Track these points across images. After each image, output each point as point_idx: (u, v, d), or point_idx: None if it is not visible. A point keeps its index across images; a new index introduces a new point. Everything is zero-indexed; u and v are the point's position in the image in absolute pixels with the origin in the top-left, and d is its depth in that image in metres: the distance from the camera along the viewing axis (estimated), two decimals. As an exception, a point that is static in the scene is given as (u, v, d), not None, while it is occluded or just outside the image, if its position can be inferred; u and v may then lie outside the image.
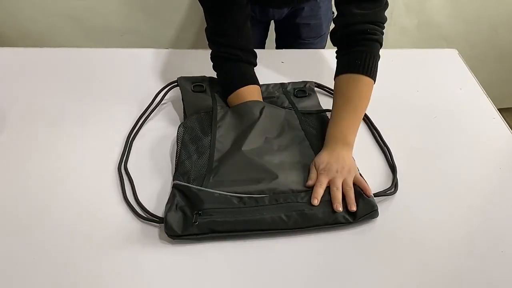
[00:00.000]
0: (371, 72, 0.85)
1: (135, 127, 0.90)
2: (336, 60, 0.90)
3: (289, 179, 0.76)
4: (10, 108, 0.94)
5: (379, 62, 0.87)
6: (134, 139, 0.88)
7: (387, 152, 0.87)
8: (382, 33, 0.87)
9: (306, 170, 0.79)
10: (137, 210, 0.73)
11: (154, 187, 0.78)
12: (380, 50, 0.88)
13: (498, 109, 1.01)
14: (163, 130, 0.91)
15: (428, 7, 1.77)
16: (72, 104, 0.97)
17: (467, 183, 0.83)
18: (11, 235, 0.70)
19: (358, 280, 0.66)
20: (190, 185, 0.74)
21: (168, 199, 0.73)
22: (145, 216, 0.72)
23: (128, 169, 0.81)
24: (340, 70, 0.88)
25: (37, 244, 0.68)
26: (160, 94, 0.97)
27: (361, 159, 0.82)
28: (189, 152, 0.81)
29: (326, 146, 0.82)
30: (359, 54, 0.85)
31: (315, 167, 0.79)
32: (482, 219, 0.76)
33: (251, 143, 0.83)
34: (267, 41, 1.41)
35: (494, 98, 1.05)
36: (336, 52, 0.91)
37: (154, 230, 0.71)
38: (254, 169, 0.78)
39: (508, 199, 0.80)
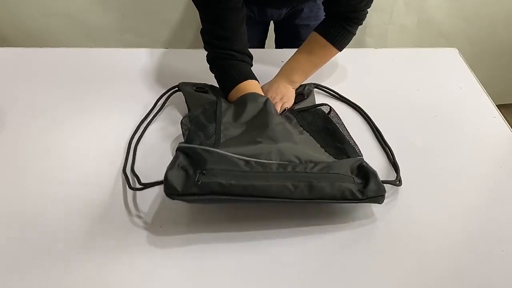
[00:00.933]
0: (342, 46, 0.99)
1: (137, 131, 0.89)
2: (324, 16, 1.00)
3: (295, 148, 0.75)
4: (10, 108, 0.95)
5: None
6: (137, 144, 0.87)
7: (389, 152, 0.87)
8: (365, 16, 0.97)
9: (312, 147, 0.79)
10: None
11: (157, 189, 0.78)
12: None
13: (497, 106, 1.01)
14: (165, 132, 0.91)
15: (427, 5, 1.77)
16: (71, 103, 0.97)
17: (468, 182, 0.83)
18: (10, 234, 0.70)
19: (358, 278, 0.66)
20: (194, 145, 0.71)
21: (171, 161, 0.69)
22: (142, 186, 0.73)
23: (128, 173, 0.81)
24: (320, 29, 0.99)
25: (36, 244, 0.68)
26: (162, 99, 0.97)
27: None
28: (196, 136, 0.78)
29: (272, 80, 0.99)
30: (342, 30, 0.96)
31: None
32: (482, 218, 0.76)
33: (257, 127, 0.81)
34: (266, 42, 1.41)
35: (493, 95, 1.05)
36: (325, 14, 1.00)
37: (154, 231, 0.71)
38: (260, 137, 0.76)
39: (508, 198, 0.80)
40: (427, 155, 0.88)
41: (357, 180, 0.72)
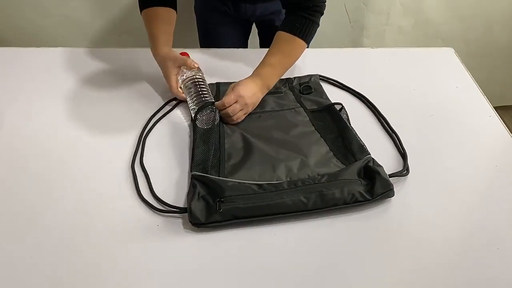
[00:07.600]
0: (308, 39, 0.99)
1: (147, 125, 0.91)
2: (285, 14, 1.02)
3: (303, 166, 0.79)
4: (9, 107, 0.95)
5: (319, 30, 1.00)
6: (147, 136, 0.89)
7: (396, 139, 0.89)
8: (324, 4, 0.99)
9: (318, 157, 0.82)
10: (154, 204, 0.75)
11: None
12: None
13: (493, 107, 1.02)
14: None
15: (424, 6, 1.79)
16: (71, 104, 0.97)
17: (463, 180, 0.83)
18: (9, 234, 0.70)
19: (356, 275, 0.67)
20: (209, 175, 0.76)
21: (189, 189, 0.75)
22: (165, 208, 0.74)
23: (141, 166, 0.82)
24: (284, 26, 0.99)
25: (35, 243, 0.69)
26: (172, 102, 0.99)
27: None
28: (202, 141, 0.84)
29: (252, 80, 0.94)
30: (306, 21, 0.97)
31: (234, 91, 0.90)
32: (478, 216, 0.77)
33: (261, 131, 0.88)
34: (255, 44, 1.41)
35: (489, 95, 1.06)
36: (285, 11, 1.02)
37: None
38: (267, 157, 0.81)
39: (503, 196, 0.81)
40: (423, 153, 0.88)
41: (364, 182, 0.76)
